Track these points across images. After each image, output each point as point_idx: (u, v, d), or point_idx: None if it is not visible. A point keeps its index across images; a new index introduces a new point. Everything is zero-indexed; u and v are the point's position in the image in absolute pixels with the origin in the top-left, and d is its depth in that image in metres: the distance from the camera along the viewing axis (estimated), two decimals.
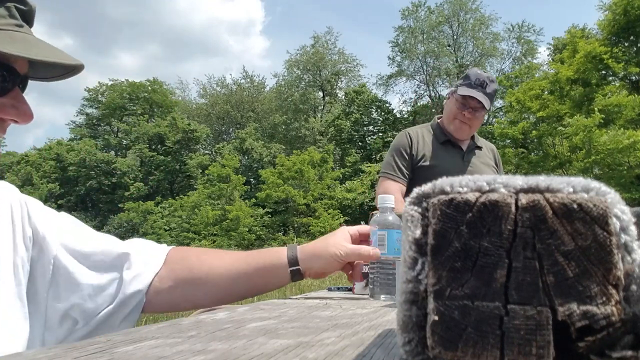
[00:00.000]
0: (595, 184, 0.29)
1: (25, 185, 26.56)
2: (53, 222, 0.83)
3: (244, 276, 0.93)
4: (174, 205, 24.30)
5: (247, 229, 21.13)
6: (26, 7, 0.72)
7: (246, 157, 30.29)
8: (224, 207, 22.21)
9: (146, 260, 0.88)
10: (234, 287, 0.93)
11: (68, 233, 0.83)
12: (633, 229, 0.28)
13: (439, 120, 2.35)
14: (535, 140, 18.64)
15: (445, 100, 2.33)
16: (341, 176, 24.46)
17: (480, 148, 2.33)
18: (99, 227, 25.37)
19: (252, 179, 28.12)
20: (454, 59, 29.33)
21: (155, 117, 32.20)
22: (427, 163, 2.21)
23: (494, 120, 25.33)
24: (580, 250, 0.27)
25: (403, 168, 2.23)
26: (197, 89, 53.29)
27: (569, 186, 0.28)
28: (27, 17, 0.73)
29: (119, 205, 25.85)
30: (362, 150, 28.50)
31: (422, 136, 2.29)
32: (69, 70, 0.76)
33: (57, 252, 0.80)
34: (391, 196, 1.04)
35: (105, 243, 0.86)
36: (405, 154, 2.25)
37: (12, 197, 0.81)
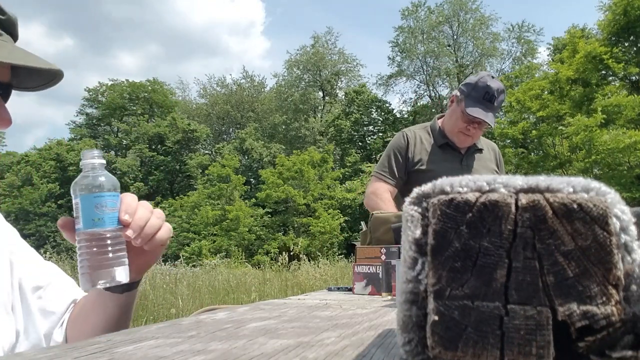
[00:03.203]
0: (595, 184, 0.29)
1: (25, 185, 26.56)
2: (23, 252, 0.91)
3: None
4: (174, 205, 24.29)
5: (247, 229, 21.11)
6: (4, 17, 0.74)
7: (246, 157, 30.28)
8: (224, 207, 22.20)
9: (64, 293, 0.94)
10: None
11: (28, 263, 0.91)
12: (633, 229, 0.28)
13: (439, 122, 2.30)
14: (535, 140, 18.62)
15: (448, 103, 2.25)
16: (341, 176, 24.44)
17: (481, 150, 2.28)
18: None
19: (252, 179, 28.11)
20: (454, 59, 29.32)
21: (155, 117, 32.19)
22: (424, 167, 2.17)
23: None
24: (580, 250, 0.27)
25: (396, 170, 2.20)
26: (197, 89, 53.32)
27: (569, 186, 0.28)
28: (7, 27, 0.75)
29: None
30: (362, 150, 28.49)
31: (420, 138, 2.25)
32: (50, 78, 0.79)
33: (22, 278, 0.88)
34: (94, 150, 0.76)
35: (49, 276, 0.92)
36: (400, 156, 2.21)
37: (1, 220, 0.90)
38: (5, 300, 0.82)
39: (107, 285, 0.72)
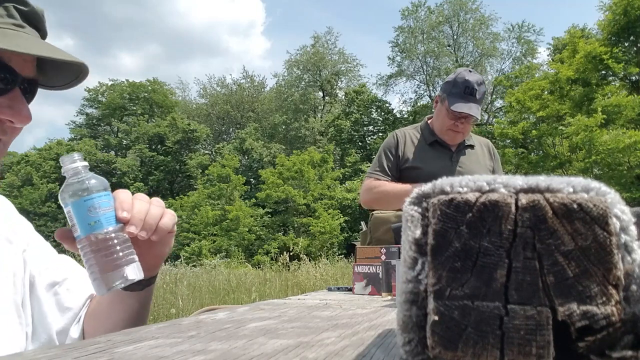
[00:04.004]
0: (595, 184, 0.29)
1: (25, 185, 26.57)
2: (38, 247, 0.89)
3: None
4: (174, 205, 24.28)
5: (247, 229, 21.11)
6: (27, 8, 0.71)
7: (246, 157, 30.28)
8: (224, 207, 22.20)
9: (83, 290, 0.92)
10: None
11: (44, 259, 0.89)
12: (633, 229, 0.28)
13: (428, 121, 2.34)
14: (535, 140, 18.62)
15: (434, 104, 2.30)
16: (341, 176, 24.45)
17: (472, 147, 2.31)
18: None
19: (252, 179, 28.10)
20: (454, 59, 29.31)
21: (155, 117, 32.20)
22: (412, 165, 2.20)
23: (493, 120, 25.32)
24: (580, 250, 0.27)
25: (387, 168, 2.24)
26: (197, 89, 53.34)
27: (569, 186, 0.28)
28: (31, 19, 0.72)
29: None
30: (362, 150, 28.48)
31: (409, 137, 2.29)
32: (75, 75, 0.76)
33: (35, 276, 0.85)
34: (73, 154, 0.73)
35: (64, 271, 0.91)
36: (391, 155, 2.25)
37: (11, 212, 0.87)
38: (17, 300, 0.80)
39: (122, 285, 0.70)
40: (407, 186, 2.09)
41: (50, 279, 0.86)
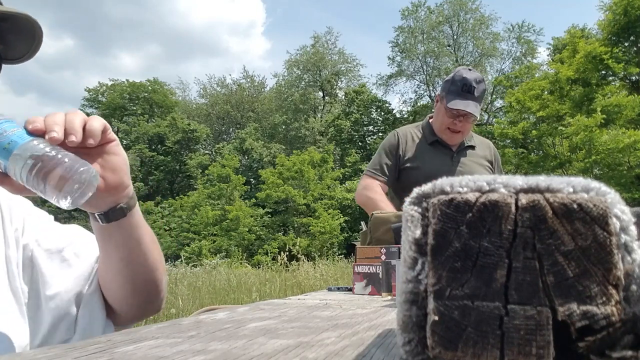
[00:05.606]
0: (595, 184, 0.29)
1: None
2: (35, 220, 0.86)
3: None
4: (174, 205, 24.29)
5: (247, 229, 21.10)
6: None
7: (246, 157, 30.27)
8: (224, 207, 22.20)
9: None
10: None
11: (43, 230, 0.86)
12: (633, 229, 0.28)
13: (430, 120, 2.33)
14: (535, 140, 18.62)
15: (435, 103, 2.29)
16: (341, 176, 24.44)
17: (473, 147, 2.30)
18: None
19: (252, 179, 28.09)
20: (454, 59, 29.31)
21: (155, 117, 32.22)
22: (413, 164, 2.19)
23: (493, 120, 25.32)
24: (580, 250, 0.27)
25: (386, 167, 2.23)
26: (197, 89, 53.34)
27: (569, 186, 0.28)
28: None
29: None
30: (362, 150, 28.47)
31: (410, 136, 2.28)
32: (31, 39, 0.73)
33: (33, 249, 0.83)
34: None
35: (68, 236, 0.88)
36: (391, 154, 2.25)
37: (6, 194, 0.82)
38: (16, 286, 0.76)
39: (86, 190, 0.63)
40: (396, 213, 2.06)
41: (54, 246, 0.84)
